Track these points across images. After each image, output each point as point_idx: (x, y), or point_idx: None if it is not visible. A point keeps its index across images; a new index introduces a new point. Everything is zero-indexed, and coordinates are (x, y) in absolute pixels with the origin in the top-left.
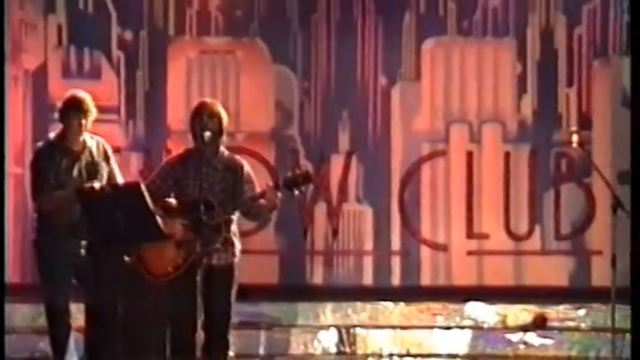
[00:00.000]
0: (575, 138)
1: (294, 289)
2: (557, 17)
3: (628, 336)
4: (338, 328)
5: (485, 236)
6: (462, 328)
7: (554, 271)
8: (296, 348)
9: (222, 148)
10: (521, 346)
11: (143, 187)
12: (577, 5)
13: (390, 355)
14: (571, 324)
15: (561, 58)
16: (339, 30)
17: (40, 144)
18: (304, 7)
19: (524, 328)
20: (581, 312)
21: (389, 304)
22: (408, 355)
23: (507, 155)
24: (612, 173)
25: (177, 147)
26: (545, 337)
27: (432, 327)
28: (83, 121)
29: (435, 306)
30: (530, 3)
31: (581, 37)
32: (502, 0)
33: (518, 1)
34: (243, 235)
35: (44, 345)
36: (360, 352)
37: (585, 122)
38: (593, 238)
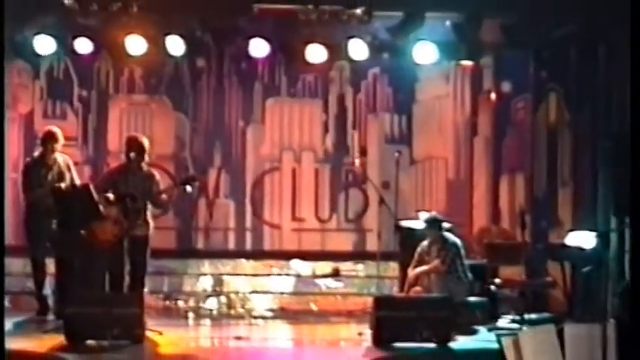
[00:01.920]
0: (357, 161)
1: (185, 251)
2: (347, 87)
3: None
4: (212, 275)
5: (303, 220)
6: (288, 275)
7: (345, 241)
8: (186, 287)
9: (143, 164)
10: (324, 288)
11: (91, 187)
12: (359, 79)
13: (244, 293)
14: (353, 273)
15: (349, 113)
16: (215, 91)
17: (28, 159)
18: (193, 77)
19: (326, 276)
20: (360, 266)
21: (244, 261)
22: (255, 292)
23: (317, 171)
24: (379, 182)
25: (113, 162)
26: (338, 281)
27: (269, 275)
28: (55, 146)
29: (272, 262)
30: (330, 78)
31: (361, 100)
32: (314, 76)
33: (323, 77)
34: (154, 217)
35: (30, 284)
36: (225, 290)
37: (363, 151)
38: (367, 221)
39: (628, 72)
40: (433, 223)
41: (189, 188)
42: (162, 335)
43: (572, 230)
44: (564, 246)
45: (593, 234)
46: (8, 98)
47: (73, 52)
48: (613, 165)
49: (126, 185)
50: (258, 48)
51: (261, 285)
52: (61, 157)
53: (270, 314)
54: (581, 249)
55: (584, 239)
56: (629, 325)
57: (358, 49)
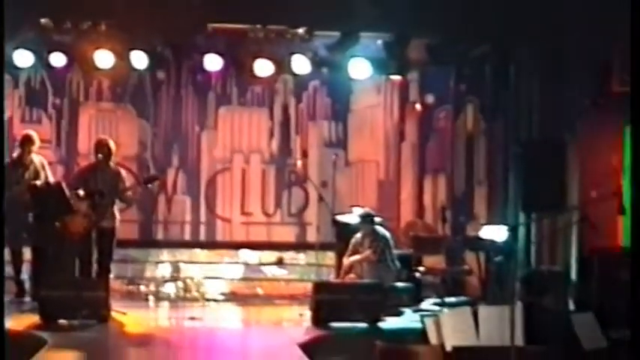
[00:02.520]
0: (299, 163)
1: (146, 241)
2: (290, 98)
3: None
4: (170, 262)
5: (251, 214)
6: (237, 263)
7: (288, 233)
8: (147, 273)
9: (110, 163)
10: (269, 274)
11: (64, 184)
12: (301, 91)
13: (199, 278)
14: (295, 262)
15: (292, 120)
16: (174, 100)
17: (7, 160)
18: (155, 87)
19: (271, 264)
20: (301, 255)
21: (198, 250)
22: (208, 277)
23: (263, 171)
24: (318, 181)
25: (83, 162)
26: (282, 269)
27: (221, 263)
28: (32, 148)
29: (223, 251)
30: (275, 89)
31: (302, 108)
32: (261, 87)
33: (269, 88)
34: (120, 211)
35: (9, 270)
36: (182, 276)
37: (304, 154)
38: (307, 215)
39: (533, 86)
40: (366, 218)
41: (150, 186)
42: (126, 315)
43: (486, 224)
44: (479, 238)
45: (504, 227)
46: None
47: (49, 65)
48: (522, 167)
49: (95, 183)
50: (212, 62)
51: (214, 272)
52: (37, 158)
53: (221, 298)
54: (493, 241)
55: (496, 232)
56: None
57: (300, 64)
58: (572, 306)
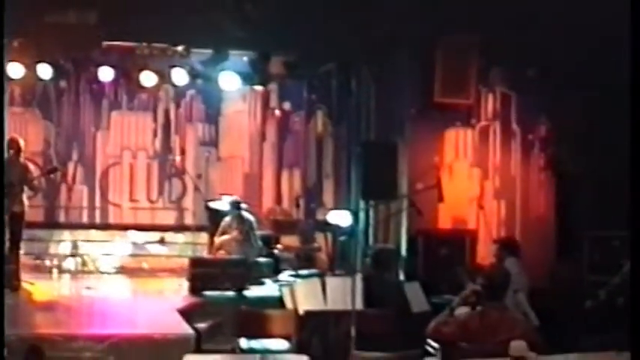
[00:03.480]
0: (178, 158)
1: (50, 223)
2: (171, 104)
3: None
4: (70, 241)
5: (138, 201)
6: (126, 242)
7: (169, 217)
8: (51, 250)
9: (20, 158)
10: (153, 251)
11: None
12: (180, 98)
13: (94, 255)
14: (175, 241)
15: (172, 122)
16: (74, 105)
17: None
18: (58, 94)
19: (155, 243)
20: (180, 236)
21: (94, 231)
22: (102, 254)
23: (148, 165)
24: (194, 173)
25: None
26: (163, 247)
27: (113, 241)
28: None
29: (115, 232)
30: (158, 97)
31: (181, 113)
32: (147, 95)
33: (153, 96)
34: (28, 198)
35: None
36: (80, 252)
37: (182, 151)
38: (185, 202)
39: (371, 97)
40: (234, 204)
41: (52, 176)
42: (33, 285)
43: (332, 210)
44: (327, 222)
45: (348, 213)
46: None
47: None
48: (362, 164)
49: (7, 174)
50: (106, 74)
51: (107, 249)
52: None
53: (113, 271)
54: (338, 224)
55: (341, 216)
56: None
57: (179, 76)
58: (402, 277)
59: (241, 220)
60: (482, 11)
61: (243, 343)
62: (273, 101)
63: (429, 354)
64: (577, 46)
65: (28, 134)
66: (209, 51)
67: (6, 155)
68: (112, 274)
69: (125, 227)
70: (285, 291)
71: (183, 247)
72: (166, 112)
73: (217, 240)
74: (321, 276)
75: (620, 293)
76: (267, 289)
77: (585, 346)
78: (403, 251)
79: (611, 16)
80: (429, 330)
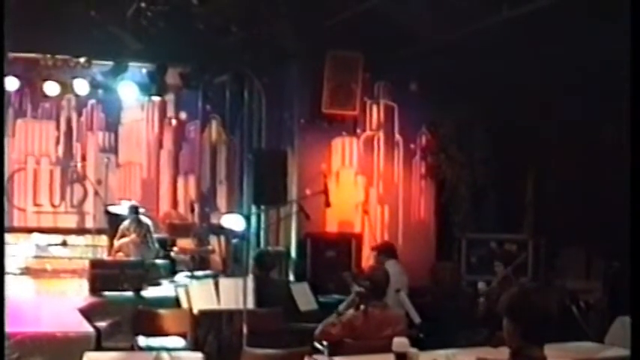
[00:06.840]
0: (79, 165)
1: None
2: (73, 113)
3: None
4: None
5: (41, 205)
6: (30, 244)
7: (70, 221)
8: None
9: None
10: (56, 253)
11: None
12: (81, 107)
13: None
14: (76, 243)
15: (74, 130)
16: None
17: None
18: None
19: (57, 245)
20: (81, 238)
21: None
22: (7, 255)
23: (51, 171)
24: (94, 179)
25: None
26: (66, 249)
27: (17, 243)
28: None
29: (19, 235)
30: (61, 106)
31: (82, 121)
32: (50, 104)
33: (56, 105)
34: None
35: None
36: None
37: (83, 158)
38: (86, 206)
39: (262, 107)
40: (132, 209)
41: None
42: None
43: (226, 214)
44: (221, 225)
45: (240, 217)
46: None
47: None
48: (253, 170)
49: None
50: (11, 83)
51: (12, 251)
52: None
53: (18, 272)
54: (231, 227)
55: (234, 220)
56: None
57: (81, 86)
58: (292, 277)
59: (139, 223)
60: (365, 30)
61: (141, 341)
62: (170, 111)
63: (318, 350)
64: (456, 60)
65: None
66: (109, 63)
67: None
68: (17, 275)
69: (29, 230)
70: (181, 291)
71: (85, 249)
72: (68, 121)
73: (116, 243)
74: (215, 277)
75: (498, 295)
76: (164, 289)
77: (464, 341)
78: (293, 253)
79: (485, 28)
80: (317, 333)
